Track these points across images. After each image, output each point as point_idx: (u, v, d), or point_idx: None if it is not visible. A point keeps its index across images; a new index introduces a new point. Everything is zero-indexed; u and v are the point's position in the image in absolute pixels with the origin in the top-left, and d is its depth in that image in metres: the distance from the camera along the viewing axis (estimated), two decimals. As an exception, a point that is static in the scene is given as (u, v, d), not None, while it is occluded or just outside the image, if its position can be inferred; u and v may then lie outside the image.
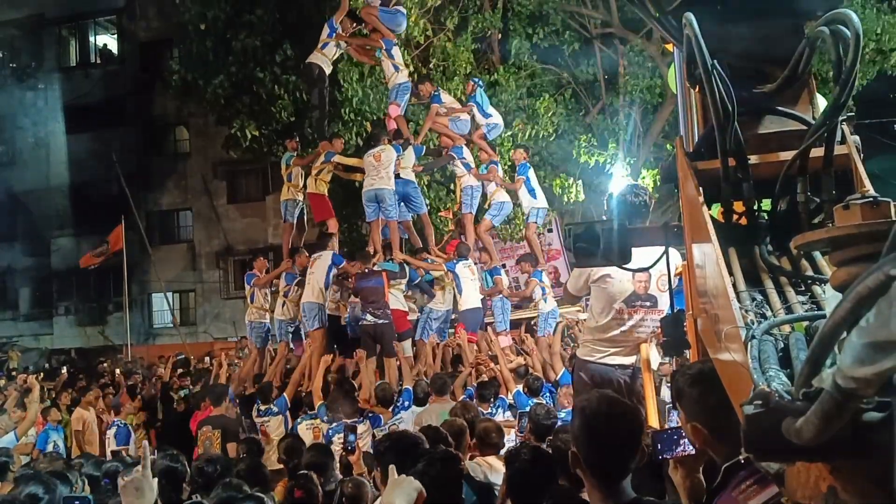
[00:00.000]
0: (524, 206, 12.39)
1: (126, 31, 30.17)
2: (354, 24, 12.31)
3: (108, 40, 31.41)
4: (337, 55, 12.44)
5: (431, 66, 15.49)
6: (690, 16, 2.11)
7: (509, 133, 15.68)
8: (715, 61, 2.08)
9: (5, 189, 28.90)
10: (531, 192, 12.06)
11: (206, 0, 17.35)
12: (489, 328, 10.90)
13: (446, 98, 12.26)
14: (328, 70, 12.23)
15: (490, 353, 9.20)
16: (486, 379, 8.25)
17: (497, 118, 12.68)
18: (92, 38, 31.27)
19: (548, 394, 7.83)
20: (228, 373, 10.49)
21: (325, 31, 12.03)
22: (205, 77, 16.82)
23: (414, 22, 13.63)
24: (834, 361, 1.07)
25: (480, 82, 13.09)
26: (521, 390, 7.62)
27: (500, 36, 18.36)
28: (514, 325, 11.61)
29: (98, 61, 31.18)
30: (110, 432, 9.56)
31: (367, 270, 10.04)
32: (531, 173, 12.26)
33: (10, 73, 30.22)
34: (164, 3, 26.48)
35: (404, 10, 12.26)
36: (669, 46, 5.06)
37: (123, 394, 11.36)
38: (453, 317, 11.18)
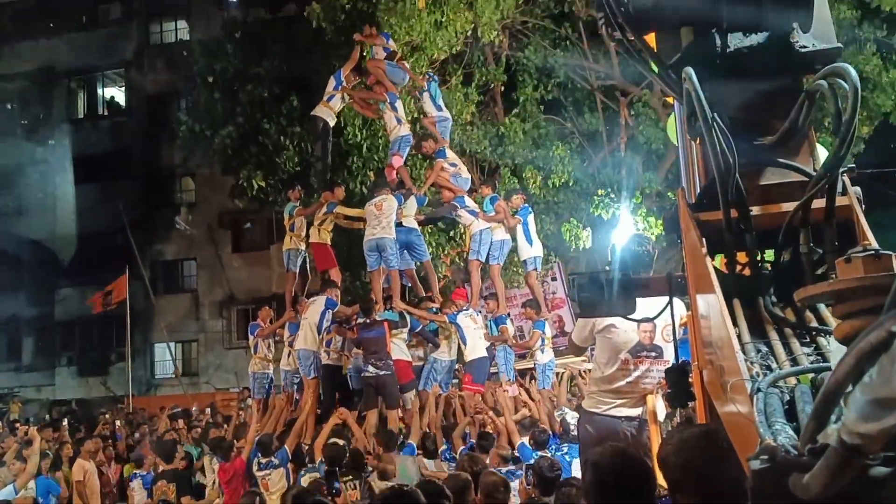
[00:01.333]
0: (521, 253, 12.26)
1: (134, 83, 30.65)
2: (357, 77, 12.50)
3: (116, 92, 31.91)
4: (341, 108, 12.61)
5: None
6: (690, 70, 2.15)
7: (514, 180, 15.78)
8: (715, 114, 2.11)
9: (11, 239, 29.06)
10: (528, 237, 11.92)
11: (215, 52, 17.68)
12: (501, 378, 10.81)
13: (450, 154, 12.36)
14: (332, 122, 12.39)
15: (495, 404, 9.11)
16: (490, 430, 8.16)
17: (446, 114, 12.71)
18: (100, 91, 31.77)
19: (553, 446, 7.73)
20: (236, 424, 10.41)
21: (332, 82, 12.21)
22: (212, 128, 17.04)
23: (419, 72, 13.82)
24: (840, 416, 1.07)
25: (435, 77, 13.16)
26: (527, 442, 7.53)
27: (503, 88, 18.62)
28: (518, 375, 11.51)
29: (106, 113, 31.65)
30: (135, 483, 9.53)
31: (368, 321, 9.98)
32: (530, 219, 12.20)
33: (19, 124, 30.63)
34: (173, 56, 27.02)
35: (407, 66, 12.46)
36: (670, 99, 5.12)
37: (146, 446, 11.26)
38: (457, 367, 11.09)
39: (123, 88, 31.48)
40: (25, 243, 29.38)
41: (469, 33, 15.38)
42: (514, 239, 11.90)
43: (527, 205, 12.31)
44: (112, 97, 31.88)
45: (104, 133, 30.34)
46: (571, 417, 7.84)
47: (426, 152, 12.44)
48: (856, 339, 0.98)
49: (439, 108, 12.52)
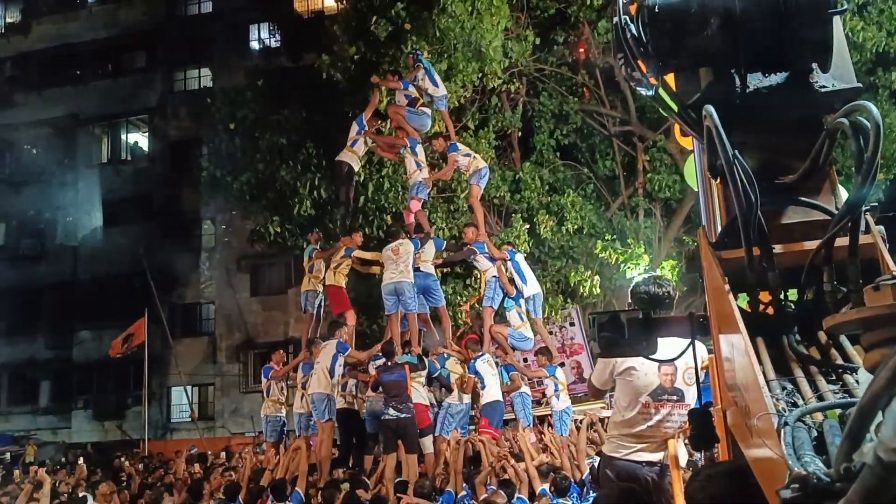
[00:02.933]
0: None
1: (157, 129, 31.21)
2: (379, 122, 12.66)
3: (140, 138, 32.48)
4: (365, 151, 12.76)
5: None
6: (711, 108, 2.16)
7: (526, 227, 15.81)
8: (736, 152, 2.11)
9: (32, 282, 29.37)
10: (521, 276, 11.83)
11: (237, 100, 18.01)
12: (519, 424, 10.70)
13: (462, 148, 12.47)
14: (357, 167, 12.53)
15: (512, 449, 9.00)
16: (510, 476, 8.03)
17: (443, 90, 12.76)
18: (124, 137, 32.36)
19: (575, 494, 7.60)
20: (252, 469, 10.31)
21: (354, 128, 12.38)
22: (233, 174, 17.28)
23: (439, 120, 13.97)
24: (874, 437, 1.05)
25: (422, 55, 13.25)
26: (548, 489, 7.41)
27: (520, 134, 18.78)
28: (538, 422, 11.40)
29: (129, 158, 32.17)
30: None
31: (389, 363, 9.95)
32: (519, 257, 12.15)
33: (44, 169, 31.18)
34: (195, 103, 27.51)
35: (429, 112, 12.60)
36: (687, 142, 5.13)
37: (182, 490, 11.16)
38: (473, 412, 11.00)
39: (147, 134, 32.06)
40: (46, 286, 29.67)
41: (477, 82, 15.58)
42: (511, 282, 11.79)
43: (512, 248, 12.32)
44: (135, 143, 32.46)
45: (127, 178, 30.82)
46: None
47: (437, 149, 12.58)
48: (889, 355, 0.97)
49: (435, 84, 12.59)
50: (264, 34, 30.77)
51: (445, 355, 11.00)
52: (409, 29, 14.37)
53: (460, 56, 14.64)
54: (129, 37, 31.17)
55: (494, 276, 11.70)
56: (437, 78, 12.76)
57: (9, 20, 34.11)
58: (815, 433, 1.44)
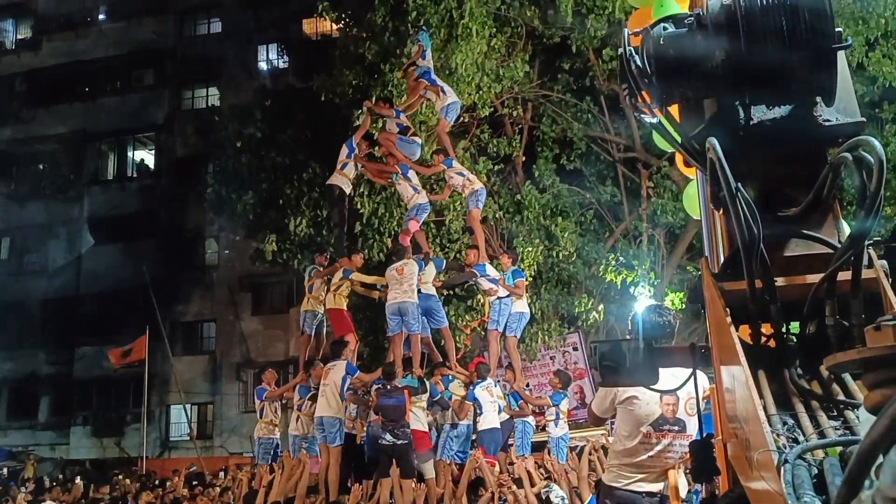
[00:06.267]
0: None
1: (164, 146, 31.36)
2: (369, 146, 12.66)
3: (146, 155, 32.63)
4: (355, 175, 12.76)
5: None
6: (714, 141, 2.16)
7: (529, 249, 15.80)
8: (739, 184, 2.11)
9: (35, 297, 29.38)
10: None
11: (244, 118, 18.11)
12: (511, 450, 10.64)
13: (457, 165, 12.49)
14: (348, 190, 12.50)
15: (512, 475, 8.94)
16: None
17: (453, 97, 12.59)
18: (130, 153, 32.52)
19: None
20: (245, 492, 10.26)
21: (344, 150, 12.36)
22: (237, 192, 17.34)
23: (428, 149, 14.02)
24: (872, 483, 1.04)
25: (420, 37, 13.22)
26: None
27: (523, 158, 18.83)
28: (538, 447, 11.32)
29: (135, 175, 32.30)
30: None
31: (389, 387, 9.88)
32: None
33: (49, 185, 31.30)
34: (203, 121, 27.68)
35: (419, 140, 12.63)
36: (690, 172, 5.16)
37: None
38: (473, 437, 10.93)
39: (153, 151, 32.20)
40: (49, 301, 29.68)
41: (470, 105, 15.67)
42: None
43: (514, 267, 12.20)
44: (142, 160, 32.62)
45: (132, 194, 30.94)
46: (555, 496, 7.69)
47: (433, 165, 12.61)
48: (888, 402, 0.96)
49: (444, 92, 12.51)
50: (273, 55, 31.03)
51: (450, 377, 10.95)
52: (398, 54, 14.52)
53: (458, 78, 14.70)
54: (139, 54, 31.40)
55: (499, 299, 11.62)
56: (447, 86, 12.76)
57: (20, 36, 34.43)
58: (815, 471, 1.43)
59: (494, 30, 15.58)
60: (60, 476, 21.61)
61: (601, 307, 16.57)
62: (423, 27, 13.75)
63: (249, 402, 27.08)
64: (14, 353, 29.48)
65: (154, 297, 20.63)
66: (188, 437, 24.02)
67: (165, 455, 27.29)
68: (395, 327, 10.90)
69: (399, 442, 9.41)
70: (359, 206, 14.49)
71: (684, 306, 14.99)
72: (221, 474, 16.37)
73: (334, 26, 19.42)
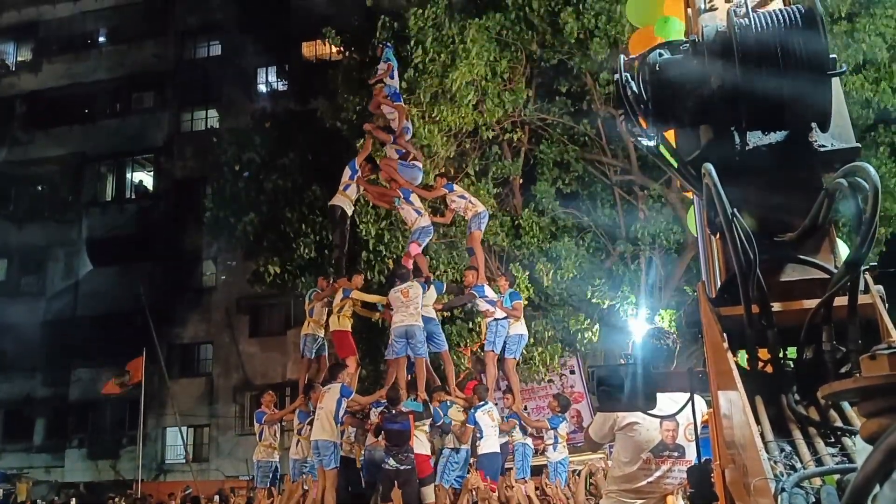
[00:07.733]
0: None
1: (163, 168, 31.42)
2: (371, 170, 12.71)
3: (145, 177, 32.68)
4: (357, 196, 12.81)
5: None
6: (710, 167, 2.17)
7: (527, 274, 15.81)
8: (735, 210, 2.12)
9: (32, 319, 29.28)
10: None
11: (243, 142, 18.17)
12: (510, 473, 10.57)
13: (458, 189, 12.53)
14: (349, 211, 12.56)
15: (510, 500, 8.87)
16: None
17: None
18: (129, 175, 32.55)
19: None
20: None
21: (347, 172, 12.44)
22: (236, 215, 17.35)
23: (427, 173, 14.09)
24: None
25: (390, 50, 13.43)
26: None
27: (521, 181, 18.88)
28: (536, 471, 11.26)
29: (133, 197, 32.31)
30: None
31: (394, 411, 9.81)
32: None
33: (47, 206, 31.30)
34: (202, 143, 27.76)
35: (420, 165, 12.70)
36: (689, 194, 5.16)
37: None
38: (472, 461, 10.86)
39: (152, 173, 32.25)
40: (45, 323, 29.58)
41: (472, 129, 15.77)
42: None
43: (511, 289, 12.24)
44: (140, 181, 32.66)
45: (130, 216, 30.95)
46: None
47: (434, 189, 12.66)
48: (882, 436, 0.96)
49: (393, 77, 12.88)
50: (272, 77, 31.19)
51: (448, 403, 10.88)
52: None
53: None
54: (139, 77, 31.57)
55: (495, 320, 11.62)
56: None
57: (20, 58, 34.61)
58: (812, 499, 1.43)
59: (496, 54, 15.69)
60: (55, 499, 21.45)
61: (596, 328, 16.54)
62: (389, 44, 13.99)
63: (246, 425, 26.90)
64: (10, 375, 29.34)
65: (151, 319, 20.57)
66: (184, 460, 23.84)
67: (161, 478, 27.06)
68: (400, 350, 10.83)
69: (403, 467, 9.35)
70: (363, 234, 14.53)
71: (674, 325, 14.97)
72: (217, 497, 16.23)
73: (334, 49, 19.54)
